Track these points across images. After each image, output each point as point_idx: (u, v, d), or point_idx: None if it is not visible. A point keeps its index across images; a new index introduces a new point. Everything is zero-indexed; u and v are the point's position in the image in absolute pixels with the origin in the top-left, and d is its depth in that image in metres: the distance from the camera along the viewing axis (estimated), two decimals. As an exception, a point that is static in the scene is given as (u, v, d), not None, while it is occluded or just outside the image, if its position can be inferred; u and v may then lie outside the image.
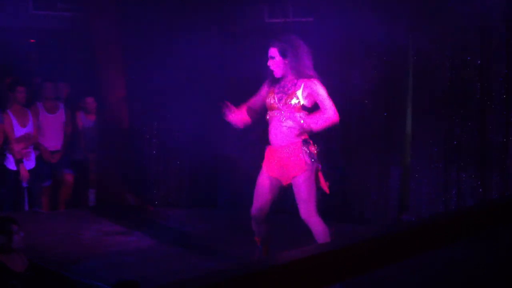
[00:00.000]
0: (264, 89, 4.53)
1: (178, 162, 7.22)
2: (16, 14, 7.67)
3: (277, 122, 4.37)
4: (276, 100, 4.38)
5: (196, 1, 7.04)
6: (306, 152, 4.30)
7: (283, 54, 4.35)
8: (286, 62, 4.36)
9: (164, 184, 7.24)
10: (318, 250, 1.59)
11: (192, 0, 7.02)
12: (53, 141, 7.13)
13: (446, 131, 5.93)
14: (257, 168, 4.54)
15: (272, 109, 4.41)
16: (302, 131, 4.32)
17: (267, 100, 4.44)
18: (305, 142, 4.34)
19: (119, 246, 5.54)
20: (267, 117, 4.45)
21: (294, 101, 4.31)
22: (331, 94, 6.43)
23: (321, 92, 4.33)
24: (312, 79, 4.35)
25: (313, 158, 4.31)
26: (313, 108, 4.39)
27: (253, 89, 4.57)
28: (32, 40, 8.73)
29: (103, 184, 7.23)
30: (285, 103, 4.33)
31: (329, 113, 4.31)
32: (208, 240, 5.75)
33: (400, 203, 6.26)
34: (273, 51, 4.39)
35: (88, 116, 7.40)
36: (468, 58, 5.83)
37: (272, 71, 4.41)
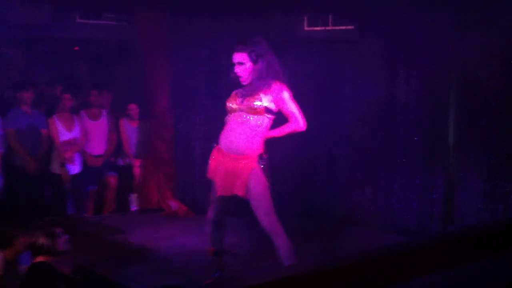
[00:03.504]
0: None
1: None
2: (63, 23, 7.88)
3: (235, 124, 4.16)
4: (238, 102, 4.16)
5: (238, 11, 7.11)
6: (262, 169, 4.13)
7: (253, 59, 4.11)
8: (257, 68, 4.12)
9: (206, 191, 7.29)
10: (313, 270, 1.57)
11: (234, 10, 7.08)
12: (97, 147, 7.29)
13: (492, 142, 5.83)
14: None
15: (232, 111, 4.20)
16: (261, 137, 4.15)
17: (228, 103, 4.23)
18: (260, 157, 4.16)
19: (163, 251, 5.61)
20: (227, 118, 4.25)
21: (257, 103, 4.09)
22: (373, 102, 6.49)
23: (287, 99, 4.12)
24: (279, 84, 4.12)
25: (267, 175, 4.15)
26: (278, 112, 4.20)
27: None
28: (76, 48, 8.95)
29: (146, 189, 7.35)
30: (248, 105, 4.11)
31: (298, 124, 4.15)
32: (251, 248, 5.77)
33: (445, 214, 6.19)
34: (241, 57, 4.13)
35: (131, 123, 7.54)
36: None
37: (238, 78, 4.17)
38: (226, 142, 4.23)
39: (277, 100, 4.13)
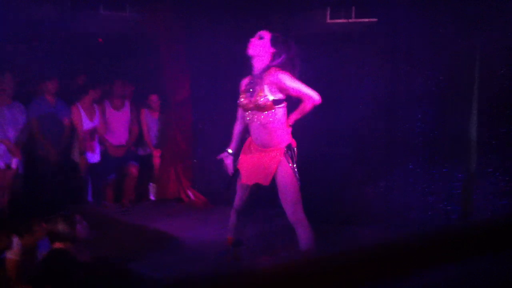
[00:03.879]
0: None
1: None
2: (87, 15, 7.97)
3: (256, 123, 4.15)
4: (247, 100, 4.15)
5: (260, 6, 7.09)
6: (289, 160, 4.14)
7: (273, 42, 4.09)
8: (273, 52, 4.09)
9: (224, 183, 7.31)
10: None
11: (256, 5, 7.07)
12: (119, 136, 7.38)
13: (496, 139, 5.75)
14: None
15: (247, 110, 4.18)
16: (286, 128, 4.15)
17: (240, 101, 4.22)
18: (288, 148, 4.17)
19: (180, 241, 5.67)
20: (246, 118, 4.22)
21: (262, 99, 4.05)
22: (392, 96, 6.44)
23: (290, 81, 4.05)
24: (276, 70, 4.06)
25: (295, 165, 4.16)
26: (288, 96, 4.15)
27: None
28: (99, 40, 9.03)
29: (165, 179, 7.40)
30: (255, 103, 4.08)
31: (313, 99, 4.08)
32: (267, 240, 5.78)
33: (463, 209, 6.13)
34: (265, 33, 4.13)
35: (152, 114, 7.61)
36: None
37: (248, 48, 4.12)
38: (252, 138, 4.27)
39: (282, 87, 4.09)
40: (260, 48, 4.12)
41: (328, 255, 1.66)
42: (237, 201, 4.49)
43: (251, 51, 4.13)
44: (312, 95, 4.12)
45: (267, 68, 4.11)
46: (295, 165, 4.19)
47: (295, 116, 4.22)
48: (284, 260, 1.73)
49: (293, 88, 4.09)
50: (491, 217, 5.42)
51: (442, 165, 6.20)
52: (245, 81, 4.31)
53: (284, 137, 4.19)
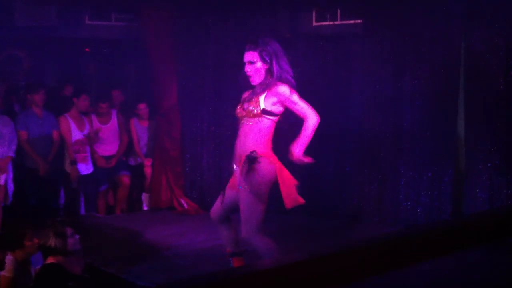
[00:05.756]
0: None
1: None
2: (73, 24, 7.93)
3: (242, 131, 4.07)
4: (241, 109, 4.07)
5: (247, 9, 7.09)
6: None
7: (263, 59, 3.99)
8: (268, 67, 4.01)
9: (216, 190, 7.31)
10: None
11: (243, 8, 7.08)
12: (109, 147, 7.34)
13: (501, 135, 5.78)
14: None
15: (240, 118, 4.10)
16: (267, 142, 4.03)
17: (236, 110, 4.14)
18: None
19: (173, 249, 5.66)
20: (238, 126, 4.15)
21: (252, 107, 3.98)
22: (380, 97, 6.46)
23: (296, 99, 3.97)
24: (278, 83, 3.97)
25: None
26: (284, 112, 4.08)
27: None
28: (87, 50, 9.00)
29: (157, 188, 7.38)
30: (248, 110, 4.01)
31: (313, 119, 3.96)
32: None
33: (453, 207, 6.15)
34: (252, 55, 4.02)
35: (141, 122, 7.58)
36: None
37: (249, 78, 4.04)
38: (236, 147, 4.17)
39: (285, 101, 4.01)
40: (258, 73, 4.03)
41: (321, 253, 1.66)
42: (215, 213, 4.40)
43: (256, 81, 4.06)
44: (310, 113, 4.00)
45: (266, 82, 4.02)
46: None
47: (300, 144, 4.02)
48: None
49: (298, 105, 4.00)
50: (482, 212, 5.44)
51: (431, 164, 6.22)
52: (245, 94, 4.25)
53: (264, 150, 4.06)
